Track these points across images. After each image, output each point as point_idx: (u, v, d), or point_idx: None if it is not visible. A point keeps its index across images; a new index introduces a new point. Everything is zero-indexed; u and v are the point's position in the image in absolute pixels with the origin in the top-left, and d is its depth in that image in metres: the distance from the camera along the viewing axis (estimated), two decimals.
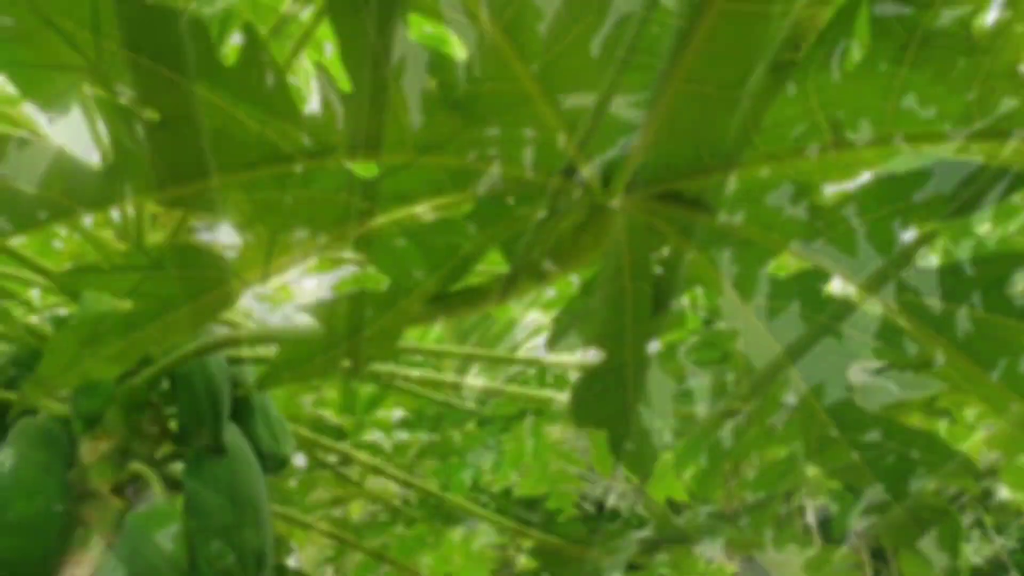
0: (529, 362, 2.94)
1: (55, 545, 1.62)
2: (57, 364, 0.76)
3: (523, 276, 0.77)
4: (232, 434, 1.75)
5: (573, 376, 2.84)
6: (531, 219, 0.81)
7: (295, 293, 3.12)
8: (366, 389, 2.77)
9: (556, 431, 3.59)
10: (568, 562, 2.45)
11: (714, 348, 2.07)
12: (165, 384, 1.90)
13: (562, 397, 2.45)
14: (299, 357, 0.89)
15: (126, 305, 0.78)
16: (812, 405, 0.85)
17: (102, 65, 0.47)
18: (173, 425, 1.94)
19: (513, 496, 2.98)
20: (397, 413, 3.20)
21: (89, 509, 1.70)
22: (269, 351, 2.10)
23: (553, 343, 0.91)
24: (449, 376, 2.34)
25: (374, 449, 2.46)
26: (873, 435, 0.85)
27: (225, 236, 2.53)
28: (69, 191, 0.49)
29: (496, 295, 0.82)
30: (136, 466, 1.73)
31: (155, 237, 1.98)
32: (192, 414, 1.70)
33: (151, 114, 0.52)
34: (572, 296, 0.88)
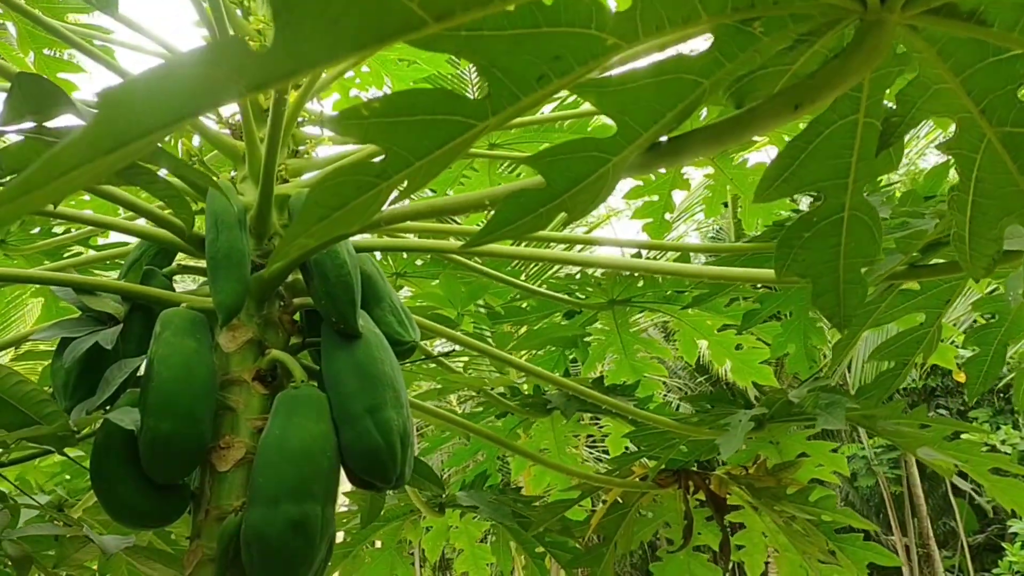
0: (613, 242, 2.93)
1: (208, 429, 1.68)
2: (311, 219, 0.77)
3: (763, 114, 0.76)
4: (364, 320, 1.77)
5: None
6: (775, 49, 0.78)
7: None
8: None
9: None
10: (672, 443, 2.49)
11: None
12: (289, 277, 1.93)
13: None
14: (518, 213, 0.89)
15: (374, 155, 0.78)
16: None
17: None
18: (297, 317, 1.98)
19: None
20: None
21: (235, 396, 1.76)
22: (391, 241, 2.12)
23: (766, 190, 0.90)
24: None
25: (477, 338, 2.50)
26: None
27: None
28: (364, 27, 0.47)
29: (726, 139, 0.80)
30: (275, 353, 1.78)
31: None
32: (327, 301, 1.72)
33: None
34: (792, 138, 0.86)
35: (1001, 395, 14.12)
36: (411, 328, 1.90)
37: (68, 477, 2.91)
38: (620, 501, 2.79)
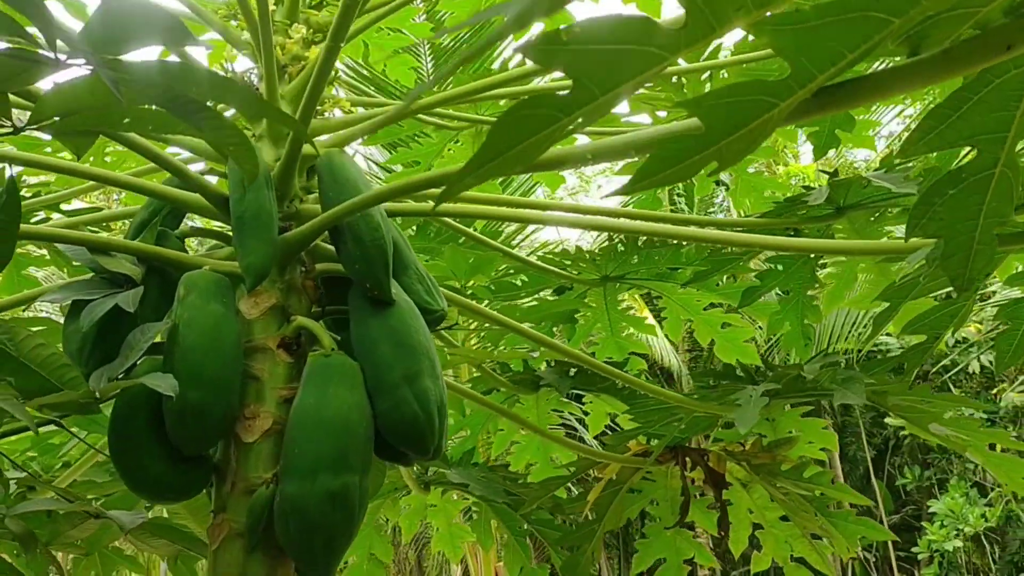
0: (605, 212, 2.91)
1: (236, 397, 1.59)
2: (488, 155, 0.71)
3: (962, 55, 0.73)
4: (394, 287, 1.70)
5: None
6: None
7: None
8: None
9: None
10: (677, 419, 2.48)
11: None
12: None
13: None
14: (671, 160, 0.84)
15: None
16: None
17: None
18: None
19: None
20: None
21: (259, 364, 1.67)
22: (416, 205, 2.04)
23: (915, 143, 0.87)
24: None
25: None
26: None
27: None
28: None
29: (914, 82, 0.77)
30: (301, 320, 1.69)
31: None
32: (362, 265, 1.64)
33: None
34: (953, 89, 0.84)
35: (937, 377, 14.54)
36: (439, 297, 1.84)
37: (35, 455, 2.76)
38: (614, 478, 2.77)
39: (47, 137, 2.63)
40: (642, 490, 2.93)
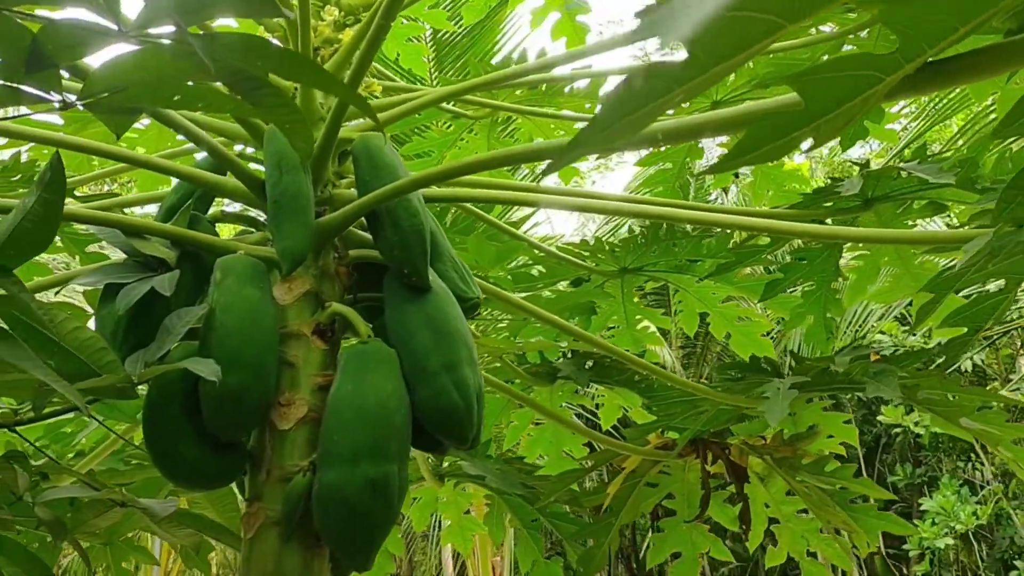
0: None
1: (273, 383, 1.57)
2: (603, 125, 0.68)
3: None
4: (431, 274, 1.68)
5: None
6: None
7: None
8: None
9: None
10: (701, 412, 2.47)
11: None
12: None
13: None
14: (768, 137, 0.82)
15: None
16: None
17: None
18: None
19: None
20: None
21: (293, 350, 1.64)
22: (446, 190, 2.02)
23: (1009, 125, 0.85)
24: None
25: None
26: None
27: None
28: None
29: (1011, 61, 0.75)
30: (336, 307, 1.66)
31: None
32: (400, 251, 1.62)
33: None
34: None
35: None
36: (473, 285, 1.81)
37: (47, 443, 2.72)
38: (633, 471, 2.75)
39: (59, 121, 2.60)
40: (658, 484, 2.92)
